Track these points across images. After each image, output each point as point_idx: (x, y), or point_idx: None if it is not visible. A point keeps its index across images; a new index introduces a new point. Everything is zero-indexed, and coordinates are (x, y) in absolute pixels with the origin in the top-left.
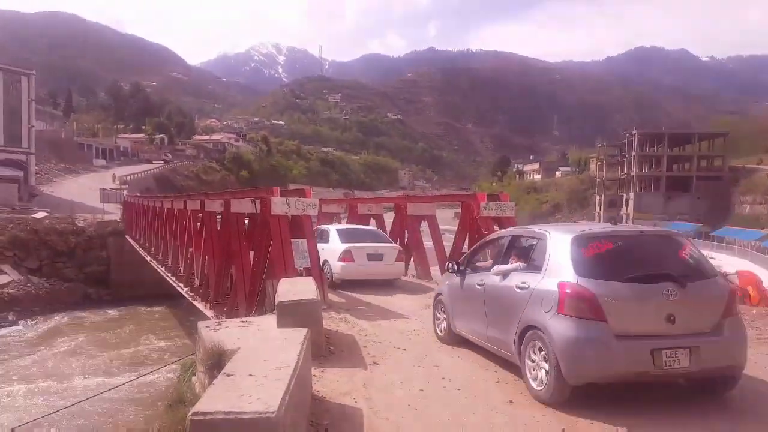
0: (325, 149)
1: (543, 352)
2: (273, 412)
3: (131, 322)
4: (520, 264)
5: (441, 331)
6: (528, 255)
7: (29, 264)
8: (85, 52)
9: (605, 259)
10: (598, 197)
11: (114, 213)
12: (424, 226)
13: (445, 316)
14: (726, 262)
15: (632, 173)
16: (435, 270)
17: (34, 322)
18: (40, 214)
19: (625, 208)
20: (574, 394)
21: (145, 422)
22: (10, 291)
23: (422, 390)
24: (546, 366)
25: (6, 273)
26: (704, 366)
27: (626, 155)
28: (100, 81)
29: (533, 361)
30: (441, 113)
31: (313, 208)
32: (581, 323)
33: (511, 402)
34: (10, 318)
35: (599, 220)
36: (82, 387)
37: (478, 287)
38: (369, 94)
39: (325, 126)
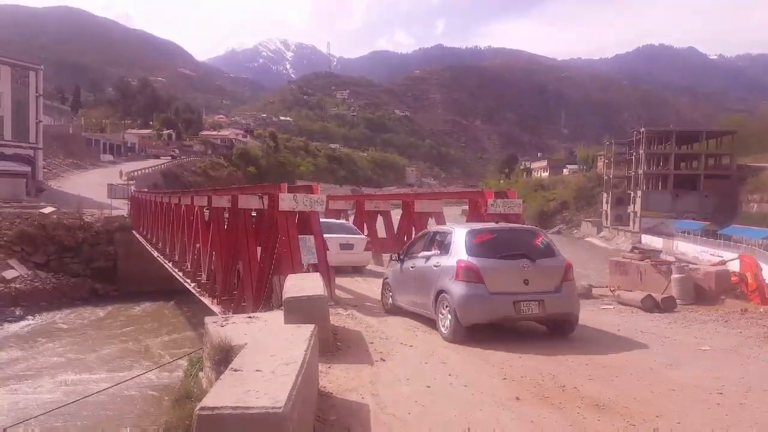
0: (332, 146)
1: (448, 307)
2: (280, 408)
3: (138, 317)
4: (437, 251)
5: (386, 305)
6: (442, 244)
7: (36, 259)
8: (93, 48)
9: (486, 245)
10: (605, 195)
11: (121, 208)
12: (431, 224)
13: (390, 293)
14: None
15: (640, 171)
16: None
17: (40, 316)
18: (47, 209)
19: (632, 206)
20: (470, 336)
21: (152, 418)
22: (18, 286)
23: (429, 386)
24: (450, 316)
25: (13, 268)
26: (549, 312)
27: (634, 153)
28: (107, 76)
29: (442, 315)
30: (449, 110)
31: (320, 204)
32: (469, 285)
33: (518, 399)
34: (17, 313)
35: (606, 218)
36: (88, 383)
37: (411, 269)
38: (377, 91)
39: (332, 122)
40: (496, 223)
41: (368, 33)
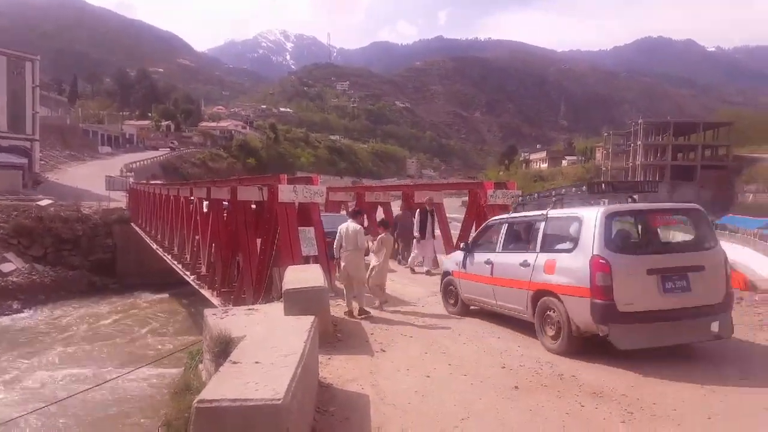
0: (333, 137)
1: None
2: (279, 399)
3: (137, 310)
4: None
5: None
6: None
7: (34, 252)
8: (91, 38)
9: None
10: None
11: (120, 200)
12: None
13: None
14: (727, 250)
15: (638, 162)
16: (442, 258)
17: (38, 310)
18: (44, 202)
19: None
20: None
21: (151, 411)
22: (15, 279)
23: (429, 376)
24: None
25: (10, 261)
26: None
27: (632, 144)
28: (106, 67)
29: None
30: (449, 102)
31: (320, 195)
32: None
33: (516, 387)
34: (14, 306)
35: None
36: (86, 377)
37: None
38: (377, 82)
39: (333, 114)
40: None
41: (369, 24)
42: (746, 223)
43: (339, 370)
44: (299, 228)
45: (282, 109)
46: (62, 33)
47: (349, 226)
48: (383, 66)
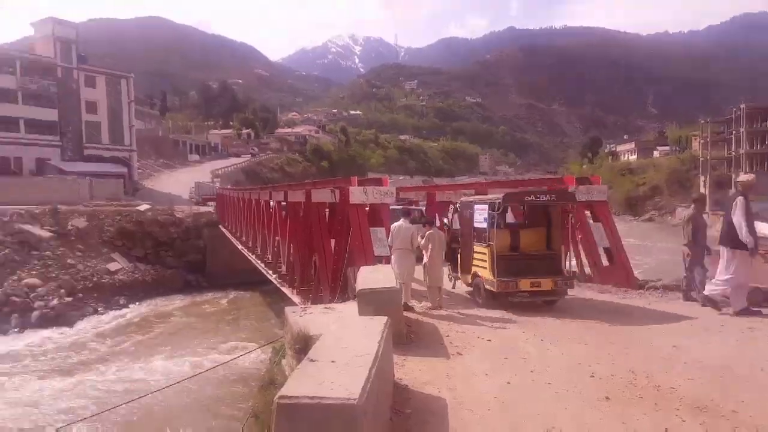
0: (402, 137)
1: None
2: (355, 399)
3: (226, 306)
4: None
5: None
6: None
7: (136, 252)
8: (177, 55)
9: None
10: (702, 178)
11: (209, 205)
12: None
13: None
14: None
15: (741, 151)
16: None
17: (140, 305)
18: (143, 207)
19: (733, 188)
20: None
21: (240, 402)
22: (121, 277)
23: (509, 382)
24: None
25: (116, 261)
26: None
27: (733, 132)
28: (190, 81)
29: None
30: (523, 94)
31: (389, 196)
32: None
33: (607, 398)
34: (120, 302)
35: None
36: (180, 367)
37: None
38: (446, 79)
39: (401, 113)
40: None
41: (436, 20)
42: None
43: (414, 372)
44: (371, 228)
45: (352, 112)
46: (152, 52)
47: (401, 225)
48: (452, 62)
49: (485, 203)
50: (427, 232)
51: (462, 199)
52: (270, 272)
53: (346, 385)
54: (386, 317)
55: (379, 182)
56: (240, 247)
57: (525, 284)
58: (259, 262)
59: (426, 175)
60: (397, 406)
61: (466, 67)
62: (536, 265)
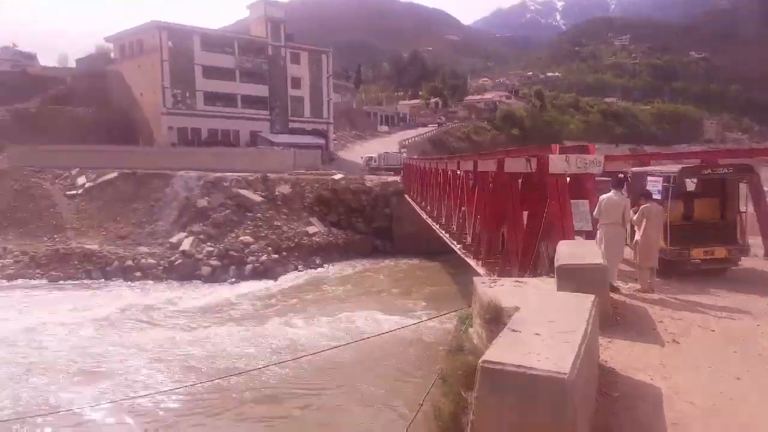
0: (607, 100)
1: None
2: (565, 374)
3: (410, 272)
4: None
5: None
6: None
7: (330, 218)
8: (371, 27)
9: None
10: None
11: (377, 174)
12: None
13: None
14: None
15: None
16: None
17: (333, 266)
18: (338, 176)
19: None
20: None
21: (426, 363)
22: (317, 240)
23: (739, 378)
24: None
25: (314, 225)
26: None
27: None
28: (383, 52)
29: None
30: (765, 48)
31: (597, 165)
32: None
33: None
34: (317, 261)
35: None
36: (367, 324)
37: None
38: (665, 33)
39: (608, 73)
40: None
41: None
42: None
43: (621, 356)
44: (572, 201)
45: (549, 75)
46: (347, 25)
47: (611, 197)
48: (674, 13)
49: (659, 176)
50: (642, 206)
51: (633, 169)
52: (454, 242)
53: (555, 359)
54: (593, 295)
55: (584, 149)
56: (425, 216)
57: (698, 253)
58: (443, 231)
59: (634, 143)
60: (603, 388)
61: (693, 18)
62: (710, 233)
